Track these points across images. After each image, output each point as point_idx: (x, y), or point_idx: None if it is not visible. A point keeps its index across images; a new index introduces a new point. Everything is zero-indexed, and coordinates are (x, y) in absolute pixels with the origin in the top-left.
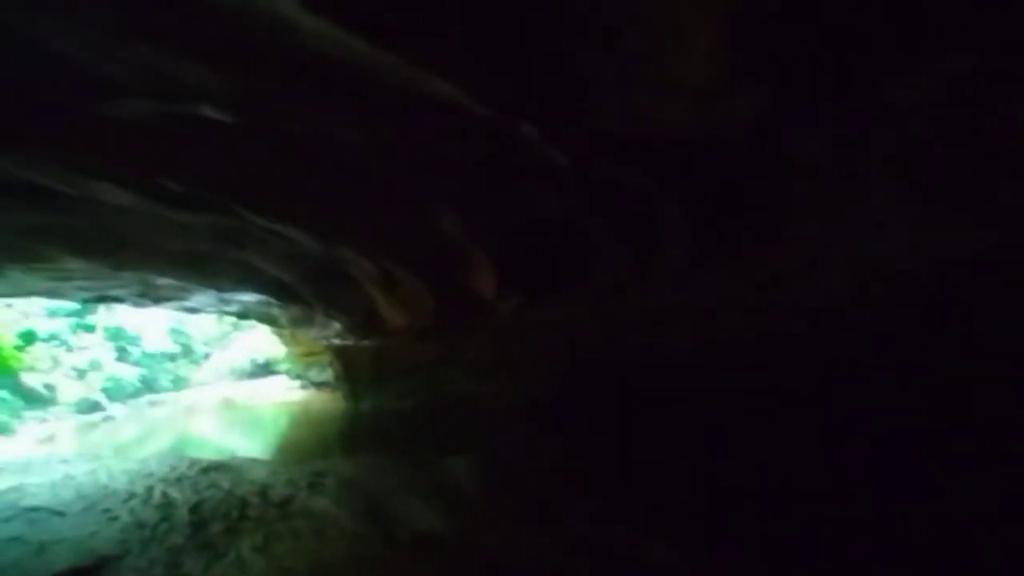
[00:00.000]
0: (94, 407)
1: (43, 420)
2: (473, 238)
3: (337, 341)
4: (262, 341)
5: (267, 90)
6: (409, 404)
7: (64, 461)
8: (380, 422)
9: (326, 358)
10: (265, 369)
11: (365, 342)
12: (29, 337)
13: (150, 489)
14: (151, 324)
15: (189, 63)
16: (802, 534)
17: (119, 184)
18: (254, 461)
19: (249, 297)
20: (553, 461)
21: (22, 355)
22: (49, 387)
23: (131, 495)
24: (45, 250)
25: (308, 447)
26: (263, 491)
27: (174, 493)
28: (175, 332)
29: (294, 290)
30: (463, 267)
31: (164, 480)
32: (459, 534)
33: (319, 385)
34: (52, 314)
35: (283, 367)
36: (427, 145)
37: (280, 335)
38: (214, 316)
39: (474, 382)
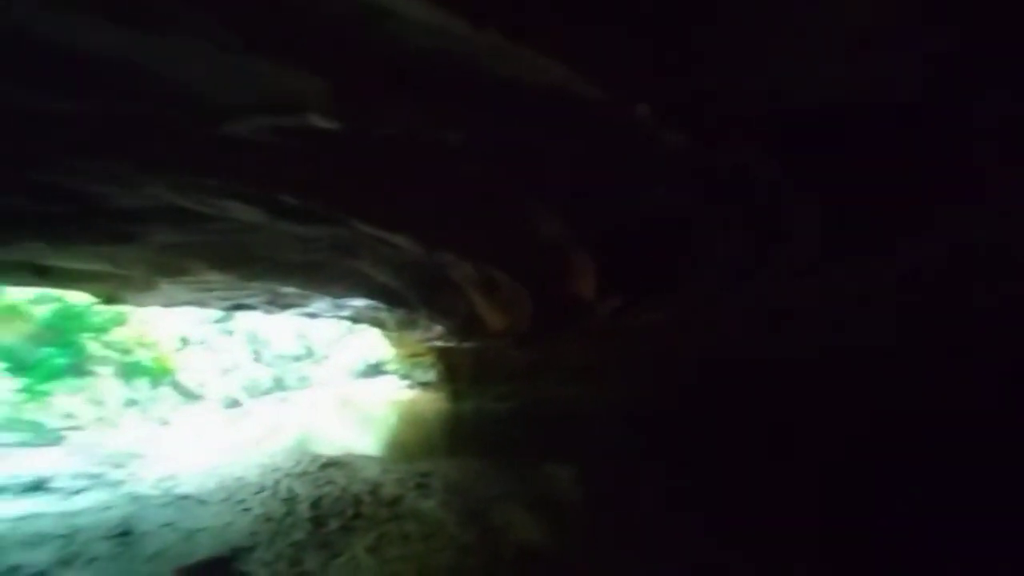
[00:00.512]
0: (235, 403)
1: (196, 414)
2: (574, 237)
3: (440, 343)
4: (373, 343)
5: (369, 92)
6: (508, 408)
7: (210, 452)
8: (481, 424)
9: (429, 359)
10: (376, 369)
11: (466, 344)
12: (183, 342)
13: (277, 483)
14: (280, 328)
15: (295, 72)
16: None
17: (244, 201)
18: (367, 458)
19: (360, 302)
20: (659, 473)
21: (179, 357)
22: (199, 385)
23: (262, 488)
24: (189, 264)
25: (415, 446)
26: (375, 490)
27: (297, 488)
28: (300, 336)
29: (400, 295)
30: (563, 269)
31: (289, 475)
32: (563, 551)
33: (424, 385)
34: (201, 321)
35: (391, 368)
36: (530, 141)
37: (388, 337)
38: (331, 321)
39: (573, 388)
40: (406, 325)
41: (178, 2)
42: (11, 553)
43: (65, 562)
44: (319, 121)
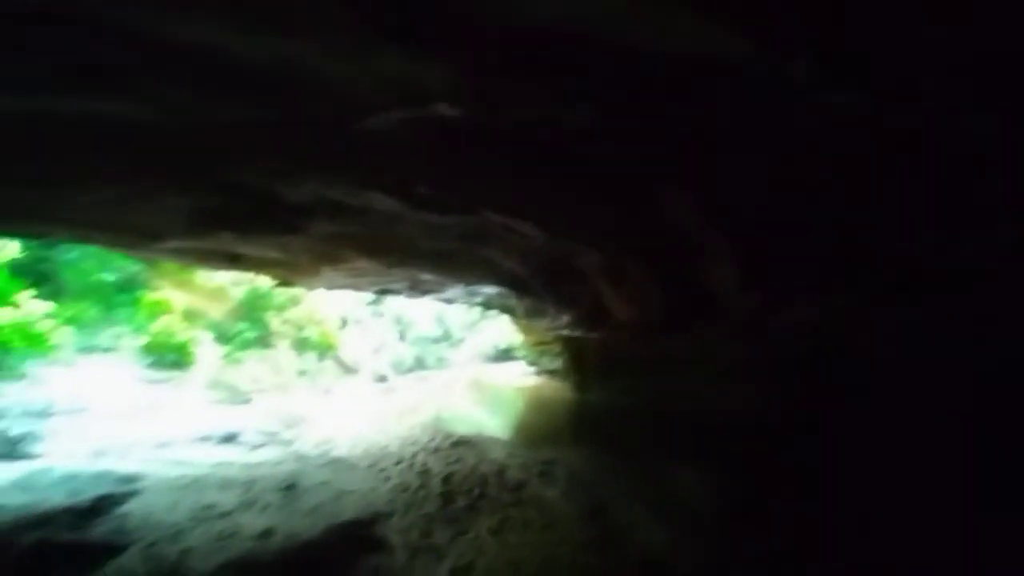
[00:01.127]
0: (383, 378)
1: (352, 386)
2: (711, 222)
3: (566, 332)
4: (504, 329)
5: (495, 77)
6: (635, 402)
7: (361, 421)
8: (606, 417)
9: (556, 348)
10: (506, 355)
11: (593, 334)
12: (343, 322)
13: (414, 456)
14: (422, 312)
15: (422, 63)
16: None
17: (384, 193)
18: (494, 440)
19: (490, 289)
20: (799, 486)
21: (339, 335)
22: (355, 360)
23: (400, 459)
24: (344, 252)
25: (540, 432)
26: (500, 472)
27: (431, 462)
28: (438, 319)
29: (527, 283)
30: (698, 258)
31: (424, 449)
32: (689, 563)
33: (551, 373)
34: (357, 304)
35: (520, 354)
36: (663, 114)
37: (517, 324)
38: (465, 306)
39: (708, 387)
40: (534, 313)
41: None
42: (208, 493)
43: (246, 505)
44: (446, 110)
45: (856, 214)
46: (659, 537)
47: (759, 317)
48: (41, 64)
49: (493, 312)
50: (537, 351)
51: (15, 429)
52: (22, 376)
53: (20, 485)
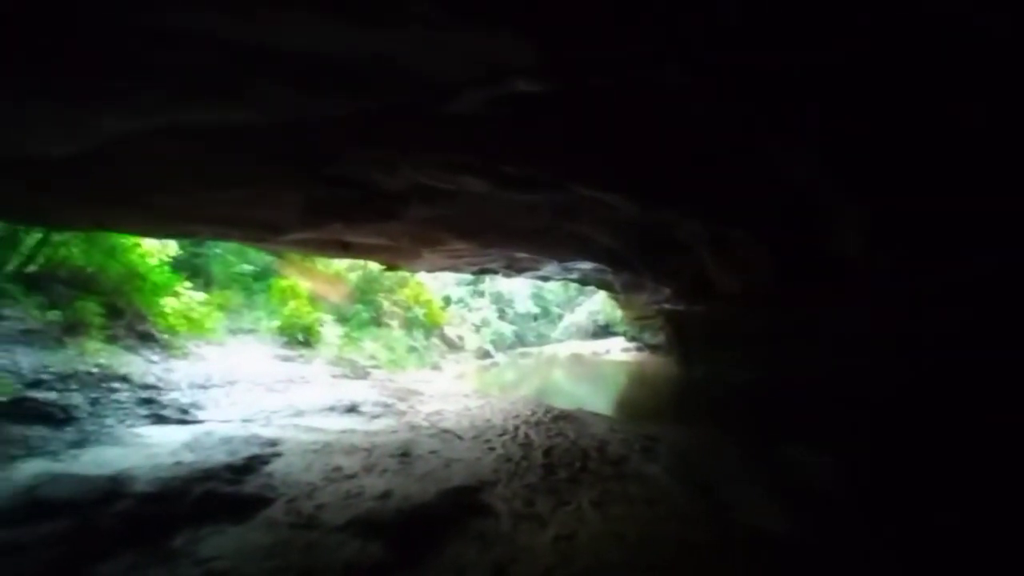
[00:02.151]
0: (485, 354)
1: (457, 362)
2: (836, 185)
3: (667, 306)
4: (602, 305)
5: (574, 43)
6: (745, 377)
7: (465, 396)
8: (713, 393)
9: (658, 322)
10: (605, 330)
11: (696, 307)
12: (447, 301)
13: (517, 428)
14: (520, 290)
15: (499, 38)
16: None
17: (472, 174)
18: (595, 415)
19: (586, 265)
20: (935, 469)
21: (444, 314)
22: (459, 338)
23: (504, 431)
24: (440, 235)
25: (641, 407)
26: (601, 447)
27: (533, 435)
28: (536, 296)
29: (623, 257)
30: (816, 220)
31: (526, 422)
32: (808, 540)
33: (652, 348)
34: (458, 284)
35: (620, 328)
36: (772, 65)
37: (616, 299)
38: (561, 283)
39: (828, 361)
40: (632, 287)
41: None
42: (336, 457)
43: (367, 469)
44: (526, 85)
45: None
46: (770, 516)
47: (890, 283)
48: (172, 82)
49: (590, 288)
50: (638, 326)
51: (184, 398)
52: (186, 354)
53: (190, 445)
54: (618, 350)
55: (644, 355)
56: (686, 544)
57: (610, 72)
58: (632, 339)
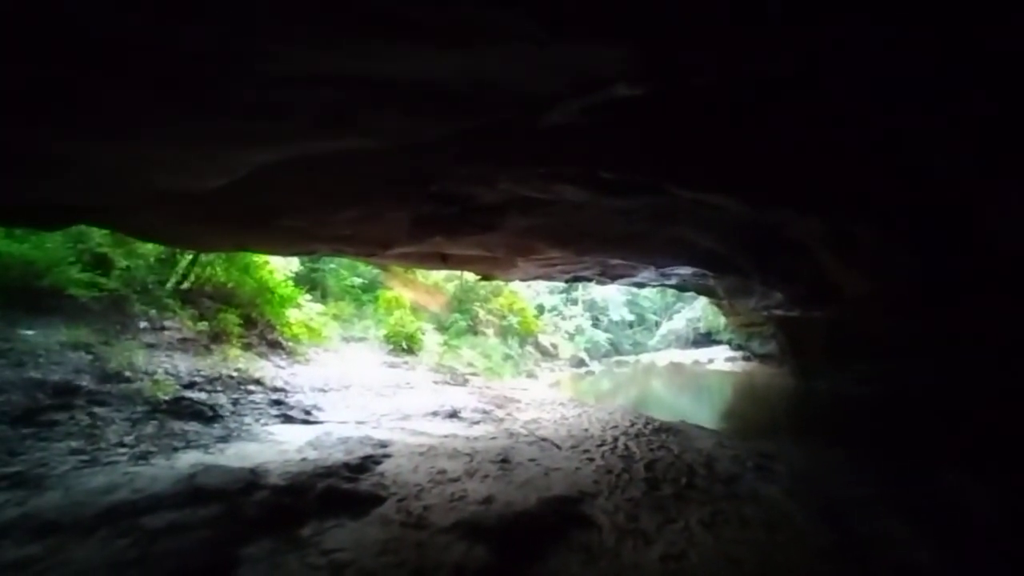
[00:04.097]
0: (580, 363)
1: (551, 370)
2: (995, 169)
3: (780, 312)
4: (704, 312)
5: (675, 41)
6: (879, 391)
7: (561, 404)
8: (838, 408)
9: (768, 329)
10: (707, 338)
11: (815, 313)
12: (540, 309)
13: (616, 439)
14: (614, 297)
15: (597, 48)
16: None
17: (570, 183)
18: (699, 428)
19: (685, 270)
20: None
21: (538, 321)
22: (553, 346)
23: (603, 442)
24: (536, 244)
25: (752, 422)
26: (709, 463)
27: (633, 447)
28: (631, 303)
29: (728, 260)
30: (972, 213)
31: (626, 434)
32: None
33: (762, 357)
34: (551, 292)
35: (724, 336)
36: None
37: (719, 305)
38: (657, 289)
39: (982, 372)
40: (738, 292)
41: (495, 14)
42: (440, 460)
43: (469, 474)
44: (625, 90)
45: None
46: (917, 551)
47: None
48: (301, 118)
49: (689, 294)
50: (744, 333)
51: (307, 400)
52: (307, 360)
53: (313, 444)
54: (722, 359)
55: (752, 365)
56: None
57: (713, 69)
58: (738, 348)
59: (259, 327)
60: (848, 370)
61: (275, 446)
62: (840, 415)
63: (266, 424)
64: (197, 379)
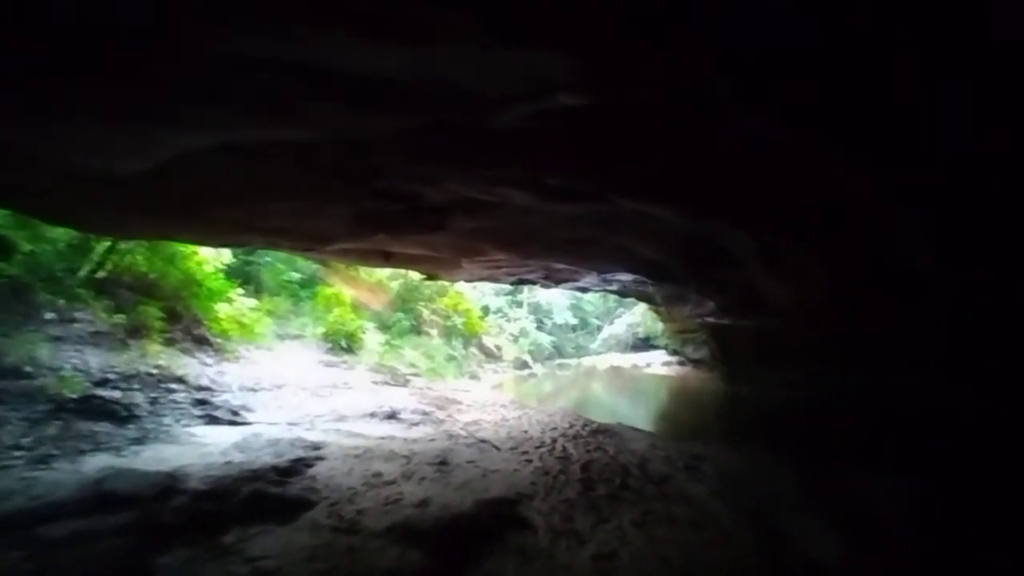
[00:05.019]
0: (523, 365)
1: (494, 372)
2: (898, 193)
3: (712, 319)
4: (642, 317)
5: (620, 55)
6: (800, 397)
7: (503, 406)
8: (763, 412)
9: (701, 336)
10: (645, 343)
11: (743, 321)
12: (485, 311)
13: (554, 441)
14: (558, 301)
15: (544, 55)
16: None
17: (516, 187)
18: (635, 430)
19: (626, 277)
20: (1014, 497)
21: (483, 323)
22: (497, 347)
23: (541, 443)
24: (481, 246)
25: (684, 424)
26: (642, 464)
27: (571, 448)
28: (574, 307)
29: (666, 269)
30: (879, 233)
31: (564, 435)
32: None
33: (695, 362)
34: (496, 294)
35: (661, 342)
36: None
37: (657, 312)
38: (600, 294)
39: (890, 380)
40: (674, 300)
41: (446, 13)
42: (376, 462)
43: (406, 476)
44: (567, 98)
45: None
46: (830, 547)
47: (966, 300)
48: (236, 103)
49: (630, 300)
50: (680, 339)
51: (235, 400)
52: (238, 358)
53: (240, 446)
54: (659, 364)
55: (686, 370)
56: (737, 573)
57: (656, 85)
58: (673, 353)
59: (184, 322)
60: (773, 376)
61: (197, 448)
62: (765, 418)
63: (188, 425)
64: (110, 376)
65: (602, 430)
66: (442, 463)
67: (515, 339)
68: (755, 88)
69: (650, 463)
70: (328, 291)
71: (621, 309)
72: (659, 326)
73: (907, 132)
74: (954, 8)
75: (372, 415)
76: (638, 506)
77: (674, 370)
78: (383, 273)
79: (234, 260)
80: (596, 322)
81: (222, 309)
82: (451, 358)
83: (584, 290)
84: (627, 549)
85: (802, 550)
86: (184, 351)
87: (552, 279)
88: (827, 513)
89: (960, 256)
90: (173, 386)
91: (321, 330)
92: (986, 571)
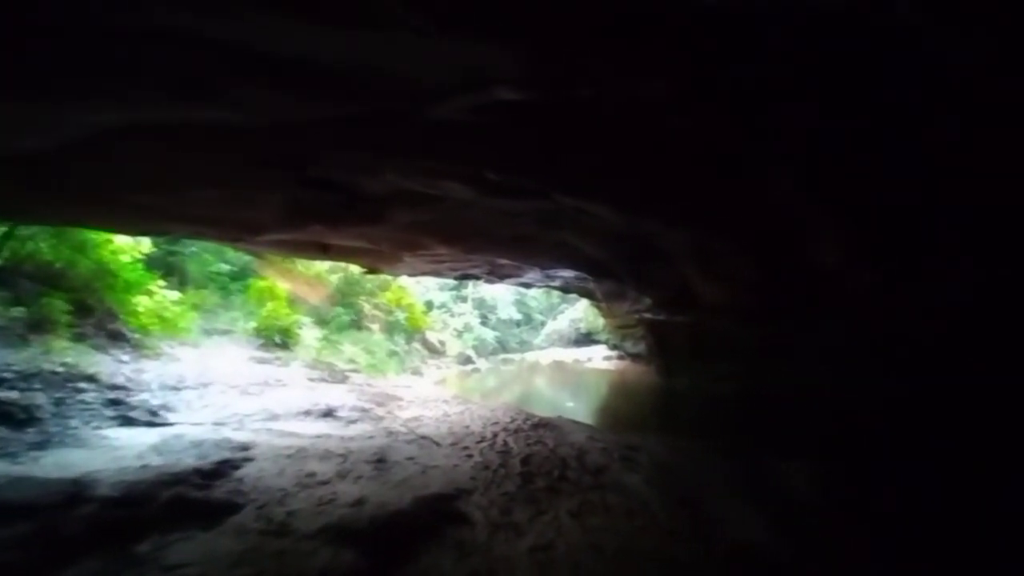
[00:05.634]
0: (467, 360)
1: (438, 367)
2: (815, 197)
3: (649, 315)
4: (585, 313)
5: (561, 52)
6: (730, 389)
7: (445, 401)
8: (696, 404)
9: (640, 331)
10: (587, 338)
11: (679, 318)
12: (429, 305)
13: (495, 435)
14: (503, 296)
15: (484, 47)
16: None
17: (456, 180)
18: (575, 423)
19: (568, 273)
20: (920, 482)
21: (427, 318)
22: (441, 343)
23: (483, 438)
24: (423, 240)
25: (623, 416)
26: (580, 456)
27: (511, 442)
28: (519, 303)
29: (606, 266)
30: (798, 234)
31: (505, 429)
32: (787, 553)
33: (634, 357)
34: (441, 288)
35: (602, 337)
36: (753, 82)
37: (598, 307)
38: (544, 290)
39: (810, 374)
40: (614, 296)
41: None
42: (310, 462)
43: (341, 475)
44: (507, 94)
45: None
46: (752, 530)
47: (875, 297)
48: (149, 78)
49: (573, 296)
50: (619, 334)
51: (154, 400)
52: (159, 354)
53: (158, 448)
54: (600, 358)
55: (625, 364)
56: (666, 558)
57: (595, 84)
58: (614, 347)
59: (97, 316)
60: (706, 370)
61: (109, 452)
62: (698, 410)
63: (99, 428)
64: (7, 375)
65: (543, 424)
66: (380, 461)
67: (459, 334)
68: (688, 91)
69: (588, 455)
70: (261, 284)
71: (564, 305)
72: (600, 322)
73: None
74: None
75: (307, 413)
76: (575, 497)
77: (614, 364)
78: (322, 266)
79: (155, 250)
80: (540, 317)
81: (141, 302)
82: (393, 354)
83: (528, 286)
84: (563, 539)
85: (729, 533)
86: (96, 347)
87: (496, 274)
88: (752, 498)
89: (864, 256)
90: (82, 385)
91: (253, 325)
92: (888, 543)
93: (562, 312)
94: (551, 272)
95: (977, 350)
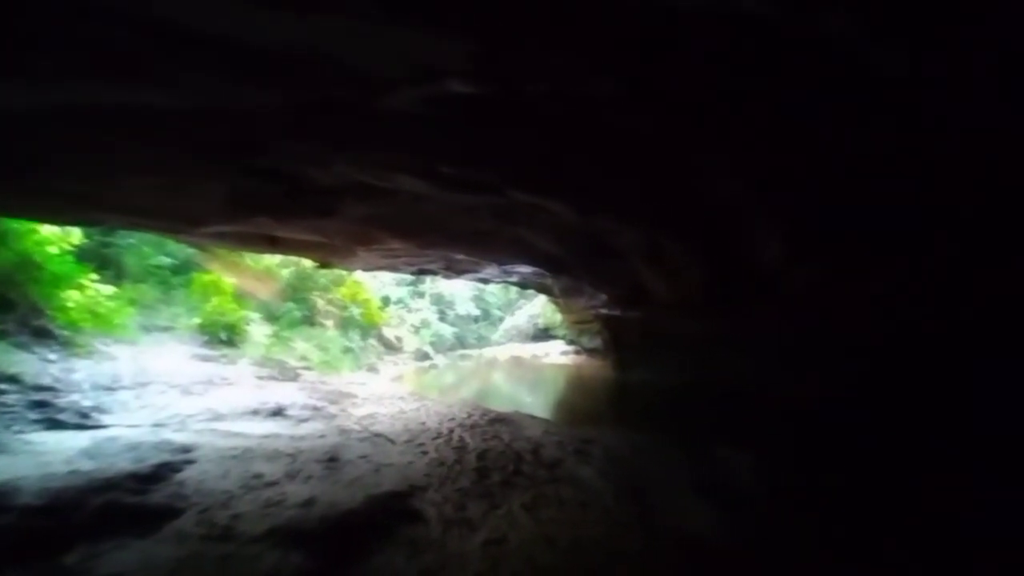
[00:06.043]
0: (424, 356)
1: (394, 364)
2: (755, 198)
3: (604, 311)
4: (542, 308)
5: (513, 48)
6: (677, 381)
7: (401, 398)
8: (647, 396)
9: (596, 326)
10: (545, 333)
11: (631, 313)
12: (386, 301)
13: (451, 431)
14: (461, 292)
15: (435, 39)
16: None
17: (409, 174)
18: (531, 418)
19: (525, 269)
20: (860, 471)
21: (383, 314)
22: (398, 339)
23: (439, 434)
24: (377, 234)
25: (578, 410)
26: (535, 450)
27: (467, 438)
28: (477, 299)
29: (562, 262)
30: (741, 234)
31: (462, 425)
32: (731, 545)
33: (590, 352)
34: (398, 284)
35: (560, 332)
36: (696, 83)
37: (555, 303)
38: (501, 286)
39: (754, 368)
40: (570, 292)
41: None
42: (257, 463)
43: (290, 476)
44: (459, 87)
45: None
46: (700, 519)
47: (810, 293)
48: (79, 55)
49: (531, 291)
50: (576, 330)
51: (85, 401)
52: (91, 352)
53: (90, 452)
54: (557, 353)
55: (582, 359)
56: (615, 549)
57: (545, 80)
58: (571, 343)
59: (19, 311)
60: (657, 363)
61: (32, 458)
62: (651, 403)
63: (21, 432)
64: None
65: (500, 419)
66: (331, 460)
67: (416, 330)
68: (634, 91)
69: (543, 448)
70: (206, 278)
71: (522, 300)
72: (558, 317)
73: (766, 145)
74: None
75: (255, 412)
76: (529, 491)
77: (571, 359)
78: (272, 260)
79: (87, 241)
80: (498, 313)
81: (71, 297)
82: (347, 350)
83: (485, 281)
84: (516, 533)
85: (676, 522)
86: (18, 345)
87: (453, 270)
88: (699, 487)
89: (802, 254)
90: (2, 387)
91: (196, 321)
92: (835, 532)
93: (520, 308)
94: (509, 268)
95: (912, 341)
